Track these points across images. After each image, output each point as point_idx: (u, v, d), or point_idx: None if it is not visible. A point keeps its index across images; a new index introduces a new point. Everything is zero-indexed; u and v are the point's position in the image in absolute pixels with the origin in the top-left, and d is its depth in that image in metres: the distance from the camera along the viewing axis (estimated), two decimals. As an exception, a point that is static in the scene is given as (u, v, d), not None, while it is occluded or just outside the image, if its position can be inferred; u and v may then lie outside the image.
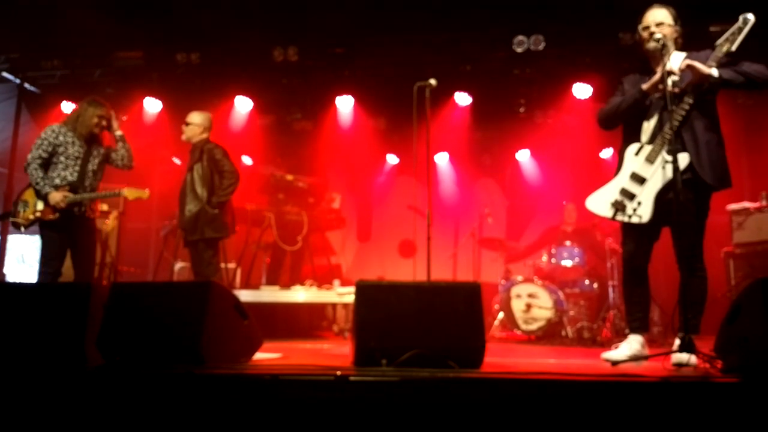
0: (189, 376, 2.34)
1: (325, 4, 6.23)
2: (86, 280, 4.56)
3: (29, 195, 4.51)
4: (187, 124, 5.11)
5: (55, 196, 4.36)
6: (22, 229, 4.48)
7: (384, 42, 6.98)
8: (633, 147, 3.41)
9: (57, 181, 4.42)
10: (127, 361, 2.73)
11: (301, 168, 7.70)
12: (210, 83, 7.57)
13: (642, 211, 3.35)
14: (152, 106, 7.80)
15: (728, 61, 3.24)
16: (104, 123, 4.61)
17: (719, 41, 3.25)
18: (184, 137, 5.12)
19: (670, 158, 3.11)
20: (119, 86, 7.57)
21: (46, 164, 4.43)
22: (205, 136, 5.07)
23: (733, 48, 3.21)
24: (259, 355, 3.23)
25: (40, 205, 4.44)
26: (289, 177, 7.00)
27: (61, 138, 4.44)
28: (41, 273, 4.42)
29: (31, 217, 4.44)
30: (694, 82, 3.22)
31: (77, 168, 4.48)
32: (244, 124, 8.14)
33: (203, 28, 6.51)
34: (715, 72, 3.18)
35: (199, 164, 4.93)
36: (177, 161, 8.50)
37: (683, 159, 3.23)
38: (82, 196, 4.48)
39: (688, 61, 3.21)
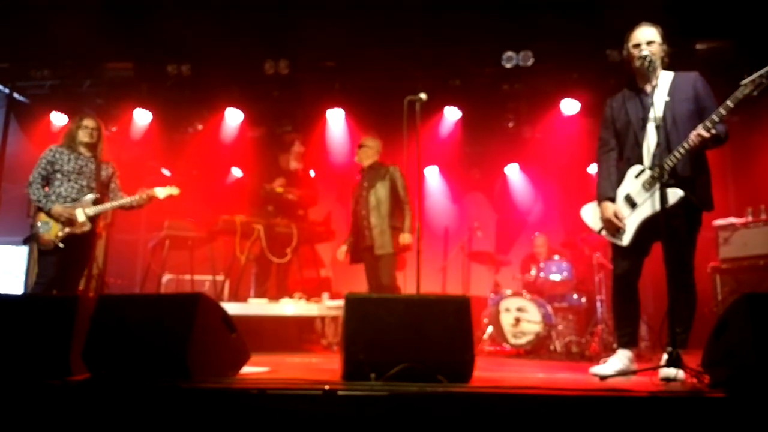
0: (175, 390, 2.32)
1: (317, 18, 6.26)
2: (72, 290, 4.58)
3: (46, 215, 4.49)
4: (361, 146, 5.63)
5: (57, 209, 4.46)
6: (61, 245, 4.43)
7: (374, 56, 7.02)
8: (635, 169, 3.42)
9: (53, 197, 4.51)
10: (112, 374, 2.70)
11: (290, 180, 7.67)
12: (200, 95, 7.57)
13: (624, 235, 3.41)
14: (142, 117, 7.76)
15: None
16: (89, 131, 4.68)
17: (745, 81, 3.07)
18: (357, 159, 5.67)
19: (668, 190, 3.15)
20: (109, 97, 7.55)
21: (47, 183, 4.55)
22: (376, 158, 5.59)
23: (755, 93, 3.06)
24: (246, 369, 3.20)
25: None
26: (279, 189, 6.98)
27: (57, 156, 4.57)
28: (36, 283, 4.46)
29: (61, 234, 4.45)
30: (699, 145, 3.17)
31: (74, 184, 4.56)
32: (235, 136, 8.14)
33: (194, 39, 6.51)
34: (720, 133, 3.18)
35: (381, 183, 5.40)
36: (166, 173, 8.46)
37: (676, 193, 3.25)
38: (112, 205, 4.67)
39: (699, 132, 3.14)
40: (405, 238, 5.22)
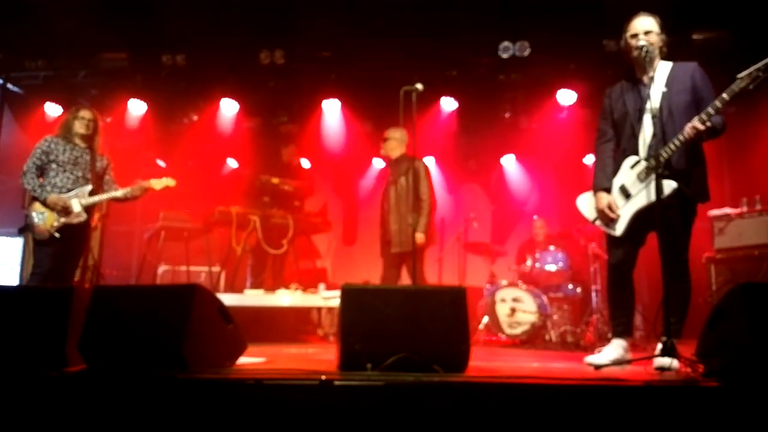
0: (171, 381, 2.32)
1: (312, 7, 6.22)
2: (68, 281, 4.59)
3: (41, 205, 4.49)
4: (386, 139, 5.46)
5: (53, 199, 4.45)
6: (57, 234, 4.44)
7: (371, 46, 6.98)
8: (631, 159, 3.43)
9: (48, 188, 4.50)
10: (109, 365, 2.70)
11: (286, 171, 7.65)
12: (196, 85, 7.52)
13: (618, 225, 3.43)
14: (137, 107, 7.73)
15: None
16: (86, 122, 4.68)
17: (742, 75, 3.04)
18: (382, 152, 5.52)
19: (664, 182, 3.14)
20: (103, 87, 7.51)
21: (42, 173, 4.55)
22: (402, 150, 5.43)
23: (752, 87, 3.02)
24: (243, 360, 3.20)
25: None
26: (275, 180, 6.97)
27: (52, 146, 4.57)
28: (32, 274, 4.46)
29: (56, 224, 4.46)
30: (694, 137, 3.16)
31: (69, 175, 4.56)
32: (230, 126, 8.10)
33: (189, 29, 6.46)
34: (717, 124, 3.17)
35: (404, 178, 5.26)
36: (161, 164, 8.43)
37: (670, 185, 3.25)
38: (108, 196, 4.66)
39: (694, 124, 3.13)
40: (417, 237, 5.07)
